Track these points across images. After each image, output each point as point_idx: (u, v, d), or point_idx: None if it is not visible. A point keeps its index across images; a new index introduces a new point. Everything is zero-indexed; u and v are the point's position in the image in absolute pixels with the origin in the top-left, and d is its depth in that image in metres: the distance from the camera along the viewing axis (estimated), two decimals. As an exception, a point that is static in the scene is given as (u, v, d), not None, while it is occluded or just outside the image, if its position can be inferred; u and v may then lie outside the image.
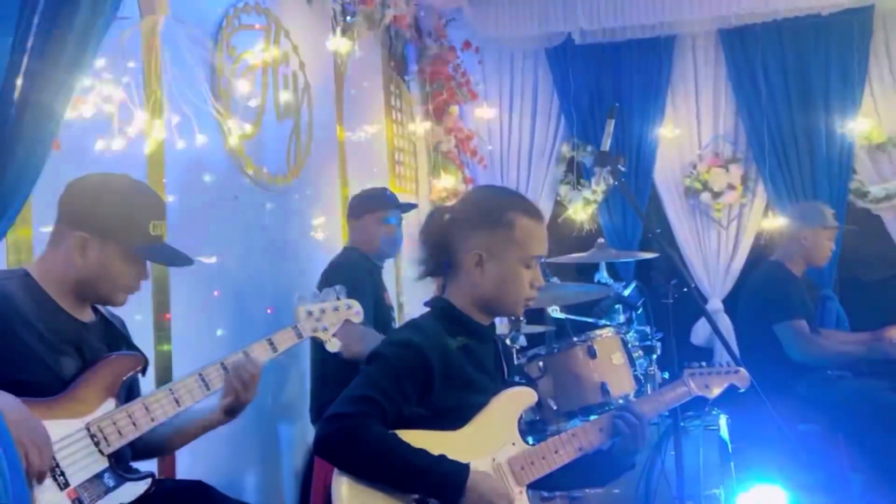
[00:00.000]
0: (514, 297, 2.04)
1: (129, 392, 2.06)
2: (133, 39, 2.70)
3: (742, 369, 2.39)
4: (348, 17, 4.29)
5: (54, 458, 1.77)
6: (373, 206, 3.63)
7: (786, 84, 5.36)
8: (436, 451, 1.90)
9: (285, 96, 3.72)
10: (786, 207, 5.17)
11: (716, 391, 2.32)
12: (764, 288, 4.09)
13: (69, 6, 1.21)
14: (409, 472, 1.87)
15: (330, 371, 3.33)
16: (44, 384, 1.84)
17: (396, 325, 3.76)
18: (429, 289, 2.60)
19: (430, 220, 2.13)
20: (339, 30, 4.23)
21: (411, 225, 3.82)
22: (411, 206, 3.84)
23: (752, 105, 5.41)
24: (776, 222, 5.17)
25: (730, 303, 5.31)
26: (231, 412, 2.12)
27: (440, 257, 2.09)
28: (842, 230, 4.96)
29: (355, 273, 3.38)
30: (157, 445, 2.18)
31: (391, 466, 1.87)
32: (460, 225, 2.07)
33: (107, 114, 2.55)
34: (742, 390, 2.38)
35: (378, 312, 3.43)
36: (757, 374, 2.54)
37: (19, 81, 1.19)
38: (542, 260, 2.12)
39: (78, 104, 2.40)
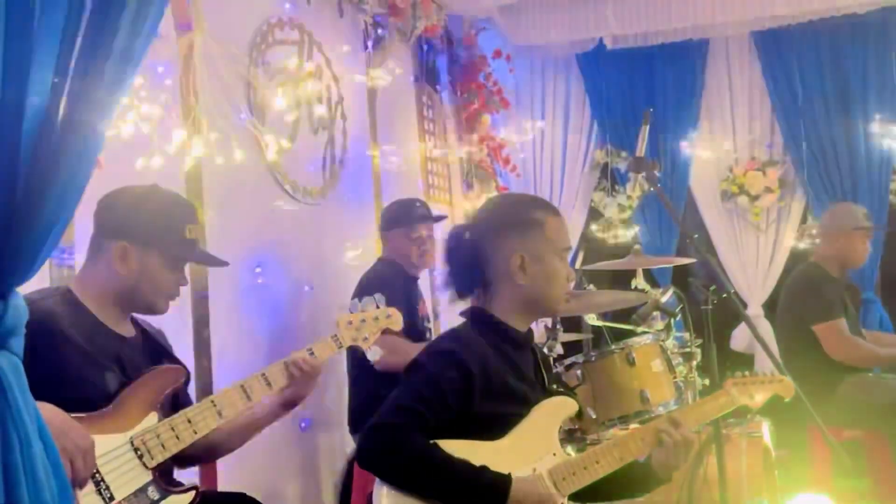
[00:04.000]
0: (559, 292, 2.09)
1: (175, 403, 2.09)
2: (170, 57, 2.74)
3: (786, 378, 2.35)
4: (380, 30, 4.32)
5: (99, 473, 1.80)
6: (401, 219, 3.64)
7: (822, 85, 5.29)
8: (477, 461, 1.89)
9: (319, 109, 3.75)
10: (825, 209, 5.10)
11: (759, 401, 2.28)
12: (801, 289, 4.02)
13: (110, 27, 1.23)
14: (453, 484, 1.87)
15: (368, 381, 3.34)
16: (89, 400, 1.87)
17: (432, 335, 3.76)
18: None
19: (453, 242, 2.13)
20: (370, 42, 4.26)
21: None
22: (440, 218, 3.84)
23: (789, 107, 5.35)
24: (815, 225, 5.10)
25: (770, 307, 5.24)
26: (287, 406, 2.18)
27: (471, 274, 2.10)
28: (882, 232, 4.88)
29: (389, 284, 3.38)
30: (215, 445, 2.20)
31: (434, 478, 1.87)
32: (489, 237, 2.08)
33: (146, 132, 2.58)
34: (787, 400, 2.34)
35: (413, 323, 3.43)
36: (798, 378, 2.51)
37: (63, 102, 1.21)
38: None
39: (117, 123, 2.44)
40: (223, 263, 2.25)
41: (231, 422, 2.07)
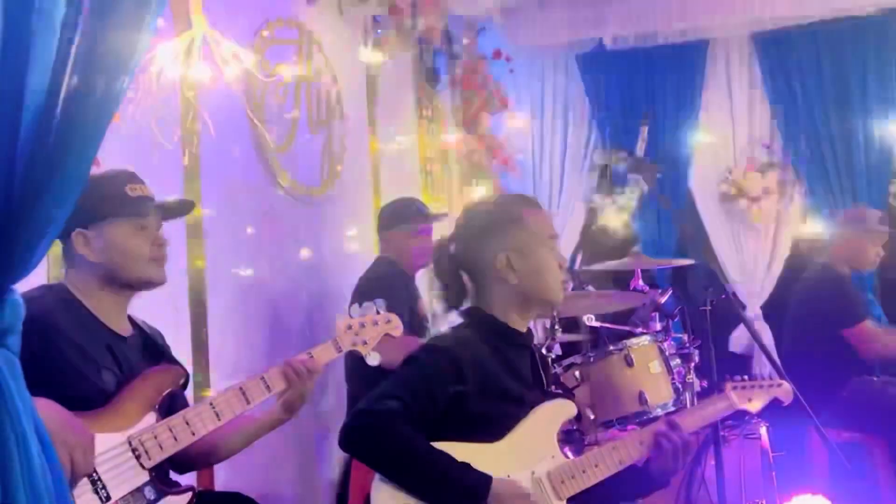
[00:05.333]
0: (554, 282, 2.07)
1: (172, 405, 2.07)
2: (170, 54, 2.73)
3: (785, 382, 2.34)
4: (379, 30, 4.31)
5: (96, 472, 1.79)
6: (403, 218, 3.64)
7: (822, 87, 5.28)
8: (476, 464, 1.88)
9: (318, 109, 3.74)
10: (824, 212, 5.11)
11: (758, 405, 2.28)
12: (825, 293, 4.01)
13: (109, 22, 1.22)
14: (430, 477, 1.86)
15: (367, 382, 3.32)
16: (87, 398, 1.86)
17: (431, 334, 3.75)
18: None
19: (439, 256, 2.16)
20: (370, 42, 4.25)
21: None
22: (440, 216, 3.84)
23: (788, 109, 5.34)
24: (815, 227, 5.10)
25: (768, 309, 5.24)
26: (290, 409, 2.13)
27: (459, 287, 2.12)
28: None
29: (389, 285, 3.38)
30: (215, 448, 2.17)
31: (413, 468, 1.86)
32: (472, 245, 2.09)
33: (145, 128, 2.57)
34: (786, 404, 2.33)
35: (412, 323, 3.43)
36: (799, 381, 2.50)
37: (61, 98, 1.20)
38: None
39: (116, 118, 2.43)
40: (188, 207, 2.24)
41: (231, 425, 2.05)
